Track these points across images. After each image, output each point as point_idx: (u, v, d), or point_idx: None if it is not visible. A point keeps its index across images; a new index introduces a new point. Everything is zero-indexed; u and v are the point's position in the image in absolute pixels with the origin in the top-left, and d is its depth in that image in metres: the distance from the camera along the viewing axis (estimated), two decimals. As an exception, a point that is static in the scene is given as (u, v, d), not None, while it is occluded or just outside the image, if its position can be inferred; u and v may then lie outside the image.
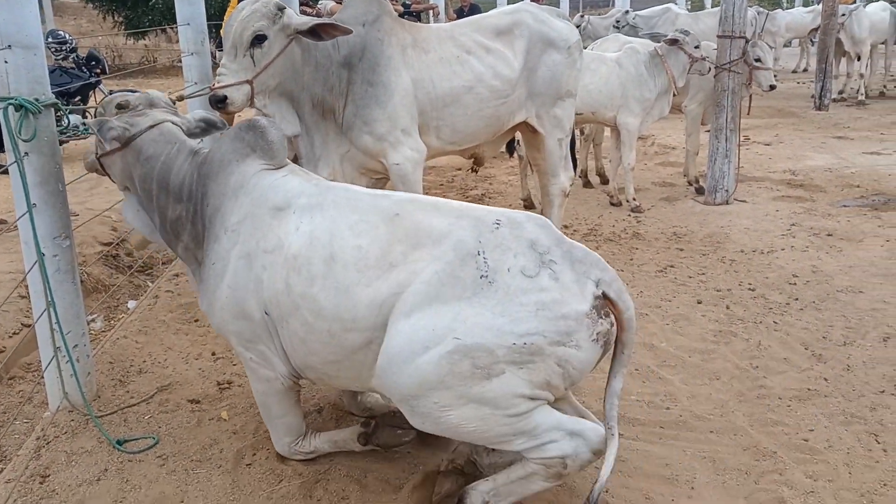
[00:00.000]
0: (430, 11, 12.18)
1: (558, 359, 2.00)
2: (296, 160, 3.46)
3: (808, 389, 3.07)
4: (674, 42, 5.55)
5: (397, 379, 2.02)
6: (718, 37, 5.77)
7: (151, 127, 2.52)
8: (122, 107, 2.59)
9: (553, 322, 1.98)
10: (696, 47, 5.60)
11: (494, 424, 2.02)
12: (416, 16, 10.96)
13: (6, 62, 2.68)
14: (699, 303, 3.96)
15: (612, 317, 2.08)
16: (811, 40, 14.19)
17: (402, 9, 10.09)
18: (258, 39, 3.20)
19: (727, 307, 3.89)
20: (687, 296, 4.05)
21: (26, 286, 3.42)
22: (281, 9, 3.21)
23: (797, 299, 3.97)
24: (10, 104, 2.69)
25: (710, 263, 4.55)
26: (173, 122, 2.58)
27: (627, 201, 5.78)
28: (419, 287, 2.02)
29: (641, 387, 3.11)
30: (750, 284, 4.18)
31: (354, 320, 2.08)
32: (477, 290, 1.99)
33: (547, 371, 2.00)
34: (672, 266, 4.52)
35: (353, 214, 2.21)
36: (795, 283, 4.18)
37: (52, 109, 2.83)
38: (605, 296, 2.06)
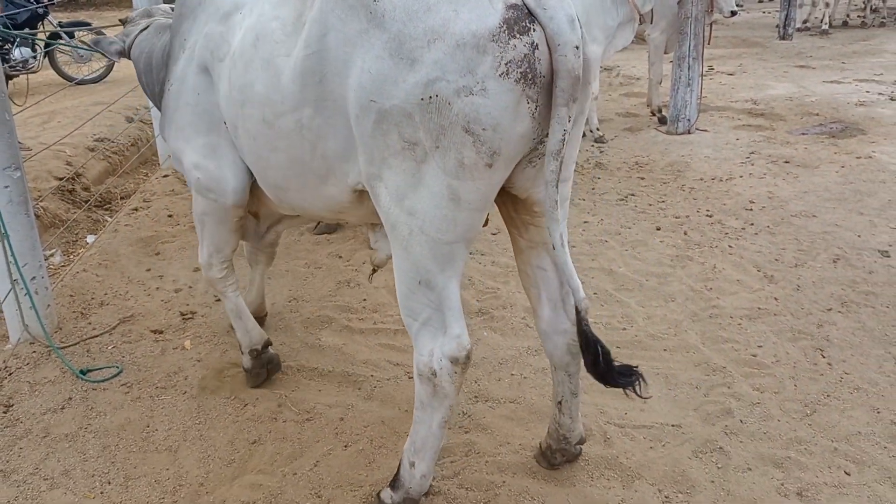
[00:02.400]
0: None
1: (466, 119, 1.57)
2: None
3: (759, 308, 3.19)
4: None
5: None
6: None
7: (143, 30, 2.71)
8: (123, 21, 2.91)
9: (450, 55, 1.54)
10: None
11: (421, 252, 1.73)
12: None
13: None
14: (658, 229, 4.03)
15: (536, 33, 1.56)
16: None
17: None
18: None
19: (685, 233, 3.97)
20: (646, 223, 4.13)
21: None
22: None
23: (752, 224, 4.06)
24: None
25: (670, 191, 4.62)
26: (165, 19, 2.73)
27: (591, 131, 5.78)
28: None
29: (600, 309, 3.19)
30: (708, 211, 4.26)
31: (282, 101, 1.87)
32: (370, 17, 1.61)
33: (457, 146, 1.59)
34: (633, 194, 4.58)
35: None
36: (752, 209, 4.27)
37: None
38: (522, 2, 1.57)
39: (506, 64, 1.54)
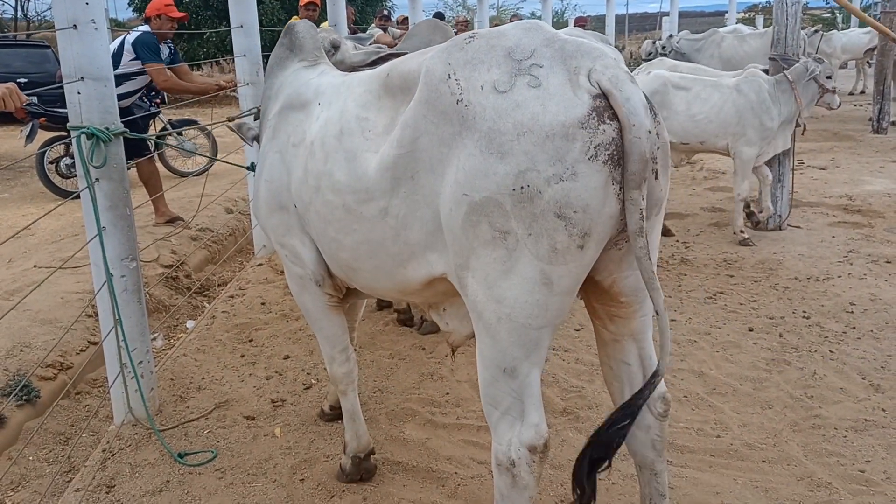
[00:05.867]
0: None
1: (557, 205, 1.62)
2: None
3: (866, 420, 3.00)
4: (808, 69, 5.22)
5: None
6: (770, 59, 5.71)
7: None
8: (335, 45, 3.02)
9: (539, 146, 1.61)
10: (829, 77, 5.31)
11: (509, 338, 1.74)
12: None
13: (79, 93, 2.86)
14: (750, 330, 3.90)
15: (617, 122, 1.63)
16: (868, 62, 13.88)
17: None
18: None
19: (780, 335, 3.82)
20: (738, 323, 4.00)
21: (93, 305, 3.61)
22: (336, 46, 3.32)
23: (854, 328, 3.87)
24: (82, 133, 2.87)
25: (763, 290, 4.48)
26: None
27: (735, 233, 5.51)
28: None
29: (690, 414, 3.08)
30: (804, 312, 4.10)
31: (367, 189, 1.96)
32: (462, 121, 1.69)
33: (549, 231, 1.63)
34: (722, 293, 4.47)
35: (358, 87, 2.19)
36: (852, 312, 4.08)
37: (121, 137, 3.00)
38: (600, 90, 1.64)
39: (594, 147, 1.60)
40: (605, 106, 1.62)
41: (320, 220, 2.20)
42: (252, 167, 3.42)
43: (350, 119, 2.09)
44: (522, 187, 1.62)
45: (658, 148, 1.67)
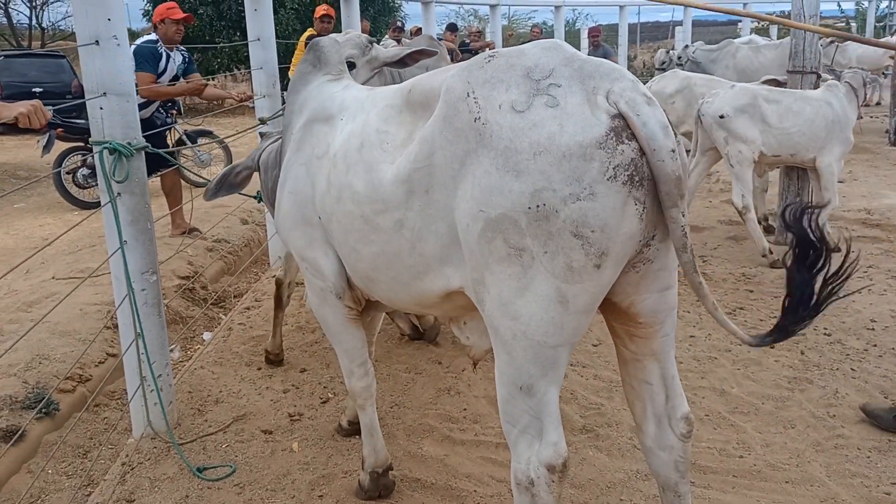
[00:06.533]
0: (487, 49, 12.42)
1: (574, 224, 1.62)
2: None
3: (890, 441, 2.95)
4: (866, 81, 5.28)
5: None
6: (789, 72, 5.69)
7: (273, 141, 3.00)
8: (262, 134, 3.22)
9: (556, 166, 1.61)
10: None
11: (525, 356, 1.75)
12: (474, 53, 11.19)
13: (101, 108, 2.88)
14: (772, 347, 3.86)
15: (636, 143, 1.63)
16: (884, 73, 13.79)
17: (455, 48, 10.26)
18: (348, 66, 3.34)
19: (802, 352, 3.78)
20: (758, 339, 3.95)
21: (112, 317, 3.62)
22: (371, 42, 3.35)
23: (876, 345, 3.83)
24: (105, 148, 2.89)
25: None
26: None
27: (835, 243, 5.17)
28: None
29: (712, 433, 3.05)
30: (825, 329, 4.06)
31: (383, 200, 1.99)
32: (479, 139, 1.70)
33: (565, 250, 1.63)
34: (742, 308, 4.43)
35: (381, 101, 2.22)
36: (874, 329, 4.03)
37: (143, 152, 3.02)
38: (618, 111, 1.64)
39: (613, 168, 1.60)
40: (624, 126, 1.62)
41: (341, 231, 2.22)
42: (258, 196, 3.42)
43: (371, 132, 2.12)
44: (538, 206, 1.62)
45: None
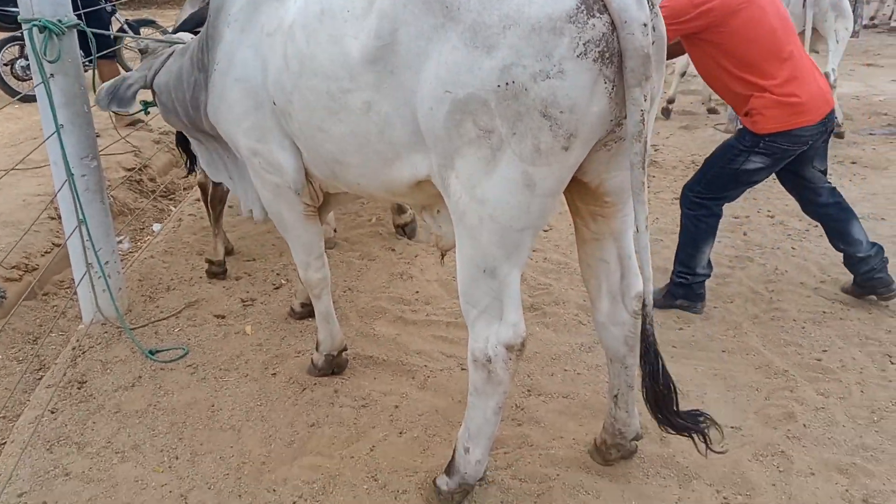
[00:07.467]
0: None
1: (543, 103, 1.56)
2: None
3: (824, 312, 3.10)
4: None
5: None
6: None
7: (168, 58, 2.69)
8: (142, 52, 2.89)
9: (525, 40, 1.54)
10: None
11: (490, 239, 1.74)
12: None
13: (28, -16, 2.68)
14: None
15: (608, 16, 1.55)
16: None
17: None
18: None
19: (744, 234, 3.89)
20: (705, 222, 4.05)
21: (56, 207, 3.51)
22: None
23: (816, 226, 3.93)
24: (34, 26, 2.70)
25: (730, 191, 4.52)
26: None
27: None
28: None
29: (655, 310, 3.15)
30: (769, 211, 4.16)
31: (351, 78, 1.84)
32: (446, 11, 1.61)
33: (533, 131, 1.59)
34: (691, 193, 4.50)
35: None
36: (815, 211, 4.15)
37: (76, 31, 2.84)
38: None
39: (584, 44, 1.53)
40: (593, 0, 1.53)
41: (305, 109, 2.03)
42: (145, 107, 3.06)
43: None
44: (507, 83, 1.56)
45: (654, 42, 1.59)
